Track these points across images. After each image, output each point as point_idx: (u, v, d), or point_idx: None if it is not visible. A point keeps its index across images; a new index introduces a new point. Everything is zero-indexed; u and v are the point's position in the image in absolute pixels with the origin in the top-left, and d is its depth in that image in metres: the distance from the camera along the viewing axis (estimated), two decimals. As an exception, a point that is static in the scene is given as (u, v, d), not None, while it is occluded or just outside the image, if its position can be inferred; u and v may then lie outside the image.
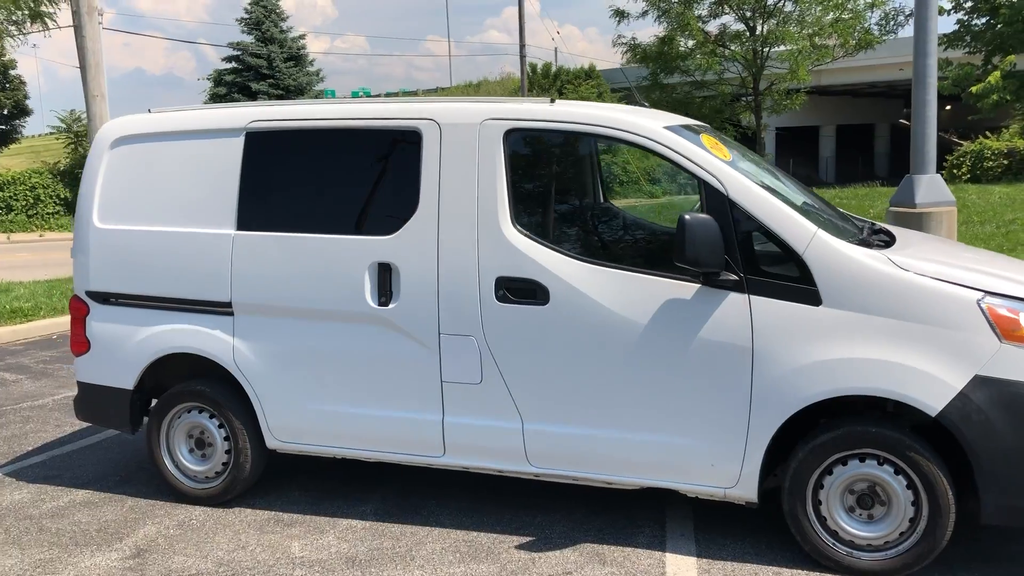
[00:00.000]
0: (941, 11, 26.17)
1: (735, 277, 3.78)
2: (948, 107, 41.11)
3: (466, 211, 4.19)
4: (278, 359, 4.54)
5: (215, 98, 37.10)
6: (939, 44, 27.23)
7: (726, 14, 26.90)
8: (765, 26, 26.39)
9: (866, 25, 26.13)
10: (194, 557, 4.21)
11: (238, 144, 4.62)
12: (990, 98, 25.85)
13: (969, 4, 27.17)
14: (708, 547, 4.10)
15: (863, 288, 3.65)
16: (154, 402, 5.01)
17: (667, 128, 4.05)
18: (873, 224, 4.73)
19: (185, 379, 4.89)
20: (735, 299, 3.80)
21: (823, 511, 3.81)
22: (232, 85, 37.33)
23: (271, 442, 4.68)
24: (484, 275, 4.14)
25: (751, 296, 3.78)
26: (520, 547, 4.17)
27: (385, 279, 4.31)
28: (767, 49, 26.50)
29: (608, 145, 4.38)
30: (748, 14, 26.68)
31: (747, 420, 3.82)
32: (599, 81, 41.61)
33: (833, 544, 3.80)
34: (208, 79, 38.13)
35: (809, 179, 39.57)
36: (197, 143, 4.73)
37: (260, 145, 4.60)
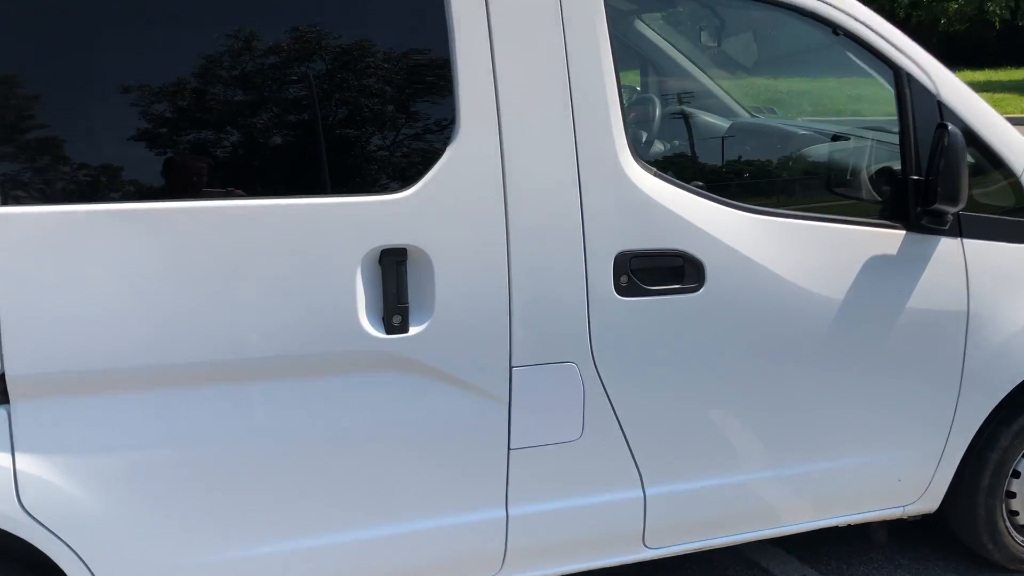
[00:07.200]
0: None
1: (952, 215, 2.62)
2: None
3: (553, 136, 2.25)
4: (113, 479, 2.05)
5: None
6: None
7: None
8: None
9: None
10: None
11: None
12: None
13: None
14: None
15: None
16: None
17: None
18: None
19: None
20: (947, 246, 2.64)
21: (1015, 504, 2.98)
22: None
23: None
24: (594, 251, 2.30)
25: (963, 240, 2.67)
26: None
27: (394, 280, 2.16)
28: None
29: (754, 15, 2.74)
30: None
31: (953, 411, 2.75)
32: None
33: (1022, 542, 3.03)
34: None
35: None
36: None
37: None
